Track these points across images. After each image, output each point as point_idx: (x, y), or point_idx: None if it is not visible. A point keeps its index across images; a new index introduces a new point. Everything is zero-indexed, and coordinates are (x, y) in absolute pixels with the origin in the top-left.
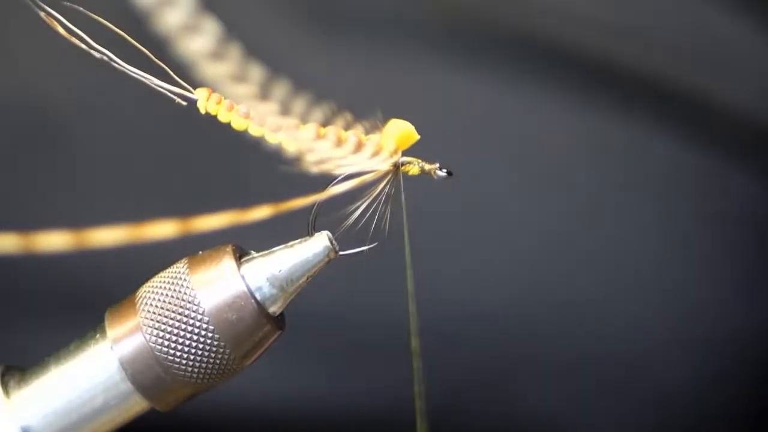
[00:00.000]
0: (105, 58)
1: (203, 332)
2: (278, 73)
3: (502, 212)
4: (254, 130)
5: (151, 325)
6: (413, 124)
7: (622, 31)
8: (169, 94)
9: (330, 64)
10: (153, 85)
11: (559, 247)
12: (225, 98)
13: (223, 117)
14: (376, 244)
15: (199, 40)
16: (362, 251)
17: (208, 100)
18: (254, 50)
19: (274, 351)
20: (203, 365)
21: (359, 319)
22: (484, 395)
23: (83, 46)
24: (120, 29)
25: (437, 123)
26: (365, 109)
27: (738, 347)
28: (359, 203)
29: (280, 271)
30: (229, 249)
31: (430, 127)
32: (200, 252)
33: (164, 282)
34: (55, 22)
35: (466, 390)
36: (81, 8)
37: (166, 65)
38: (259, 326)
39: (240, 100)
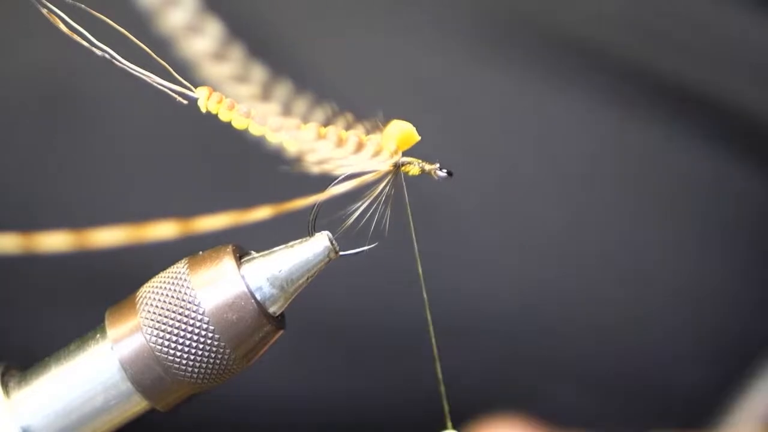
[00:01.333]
0: (106, 55)
1: (203, 332)
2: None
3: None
4: (255, 130)
5: (151, 326)
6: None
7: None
8: (170, 92)
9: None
10: (154, 84)
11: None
12: (226, 97)
13: (223, 116)
14: (376, 244)
15: (201, 41)
16: (363, 251)
17: (208, 99)
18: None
19: (275, 350)
20: (203, 365)
21: (361, 319)
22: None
23: (85, 43)
24: (121, 27)
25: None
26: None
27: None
28: (359, 203)
29: (280, 271)
30: (229, 249)
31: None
32: (200, 252)
33: (164, 282)
34: (57, 19)
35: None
36: (83, 5)
37: (168, 63)
38: (260, 326)
39: (242, 100)
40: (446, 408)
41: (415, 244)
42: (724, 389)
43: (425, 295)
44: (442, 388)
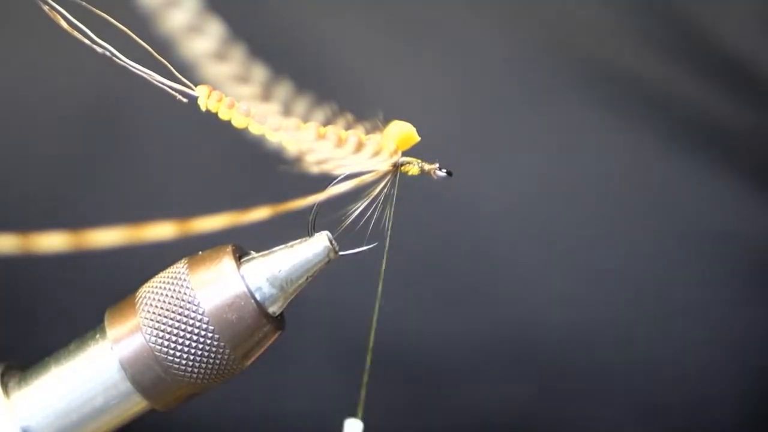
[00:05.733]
0: (107, 53)
1: (203, 332)
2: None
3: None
4: (254, 129)
5: (150, 326)
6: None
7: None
8: (170, 90)
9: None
10: (154, 82)
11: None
12: (226, 96)
13: (223, 115)
14: (376, 244)
15: (203, 41)
16: (362, 251)
17: (208, 97)
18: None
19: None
20: (203, 365)
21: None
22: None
23: (86, 41)
24: (122, 25)
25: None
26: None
27: None
28: (359, 203)
29: (280, 271)
30: (228, 249)
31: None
32: (200, 252)
33: (164, 282)
34: (58, 16)
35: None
36: (84, 3)
37: (168, 62)
38: (259, 326)
39: (242, 99)
40: (362, 396)
41: (388, 240)
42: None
43: (380, 290)
44: (365, 377)
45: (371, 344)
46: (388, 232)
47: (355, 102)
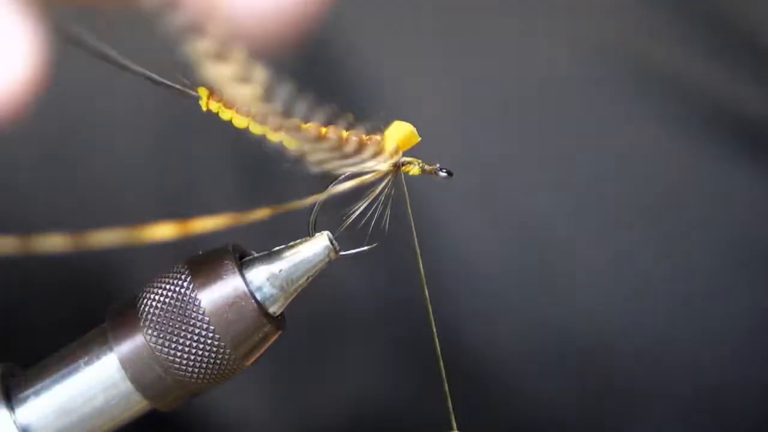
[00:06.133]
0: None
1: (203, 332)
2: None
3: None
4: (255, 129)
5: (151, 326)
6: None
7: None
8: (171, 90)
9: None
10: (155, 81)
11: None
12: (226, 96)
13: (224, 115)
14: (376, 244)
15: (203, 42)
16: (363, 251)
17: (209, 97)
18: None
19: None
20: (203, 365)
21: (366, 322)
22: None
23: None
24: (122, 24)
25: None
26: None
27: None
28: (360, 203)
29: (280, 271)
30: (229, 249)
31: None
32: (200, 252)
33: (165, 282)
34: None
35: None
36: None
37: (168, 61)
38: (260, 326)
39: (243, 100)
40: (450, 407)
41: (417, 246)
42: None
43: (426, 293)
44: (446, 387)
45: (438, 351)
46: (414, 234)
47: (355, 102)
